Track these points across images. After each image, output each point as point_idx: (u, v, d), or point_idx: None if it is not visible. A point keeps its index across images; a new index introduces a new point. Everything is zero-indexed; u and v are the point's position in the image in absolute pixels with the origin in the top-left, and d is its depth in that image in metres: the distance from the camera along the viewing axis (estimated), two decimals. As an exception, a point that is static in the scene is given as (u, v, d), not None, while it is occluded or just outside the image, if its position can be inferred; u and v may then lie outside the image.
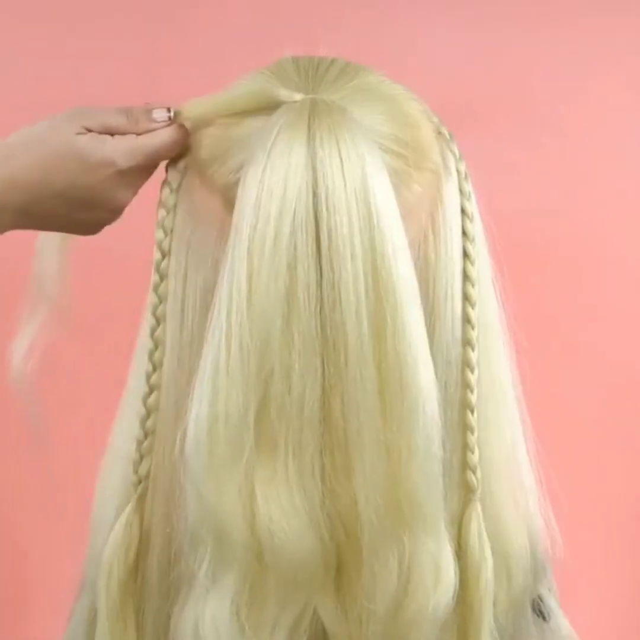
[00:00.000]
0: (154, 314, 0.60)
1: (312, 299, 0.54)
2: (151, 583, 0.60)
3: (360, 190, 0.54)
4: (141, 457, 0.60)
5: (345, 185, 0.53)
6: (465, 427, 0.61)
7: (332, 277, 0.54)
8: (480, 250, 0.62)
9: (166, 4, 1.33)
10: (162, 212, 0.60)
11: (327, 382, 0.54)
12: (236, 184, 0.57)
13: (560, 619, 0.68)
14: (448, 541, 0.58)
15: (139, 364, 0.61)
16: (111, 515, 0.61)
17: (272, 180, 0.53)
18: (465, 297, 0.61)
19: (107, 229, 0.64)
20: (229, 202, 0.57)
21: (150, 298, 0.60)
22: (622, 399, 1.38)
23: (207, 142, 0.59)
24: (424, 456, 0.55)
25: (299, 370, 0.54)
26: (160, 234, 0.60)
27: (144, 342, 0.61)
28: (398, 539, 0.56)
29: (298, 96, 0.56)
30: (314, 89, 0.58)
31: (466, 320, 0.61)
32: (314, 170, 0.53)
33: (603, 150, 1.37)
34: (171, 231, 0.60)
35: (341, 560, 0.57)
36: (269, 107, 0.57)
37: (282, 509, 0.54)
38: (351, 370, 0.54)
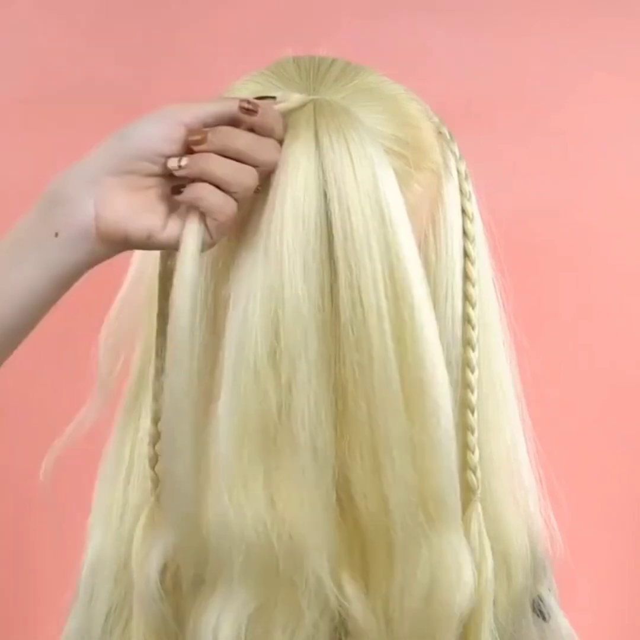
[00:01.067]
0: (162, 309, 0.59)
1: (326, 302, 0.54)
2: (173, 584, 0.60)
3: (372, 191, 0.54)
4: (157, 456, 0.60)
5: (357, 187, 0.53)
6: (465, 427, 0.61)
7: (350, 278, 0.53)
8: (481, 250, 0.62)
9: (167, 4, 1.33)
10: None
11: (349, 384, 0.54)
12: None
13: (560, 619, 0.68)
14: (464, 537, 0.58)
15: (145, 361, 0.61)
16: (117, 514, 0.62)
17: (281, 183, 0.53)
18: (466, 297, 0.61)
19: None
20: None
21: (159, 288, 0.60)
22: (622, 399, 1.38)
23: None
24: (445, 452, 0.56)
25: (315, 375, 0.54)
26: None
27: (150, 339, 0.61)
28: (426, 536, 0.56)
29: (295, 96, 0.56)
30: (315, 89, 0.58)
31: (466, 320, 0.61)
32: (324, 172, 0.53)
33: (603, 150, 1.37)
34: None
35: (369, 560, 0.57)
36: None
37: (301, 512, 0.54)
38: (376, 370, 0.54)
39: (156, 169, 0.54)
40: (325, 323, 0.54)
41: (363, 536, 0.57)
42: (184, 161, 0.53)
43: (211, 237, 0.54)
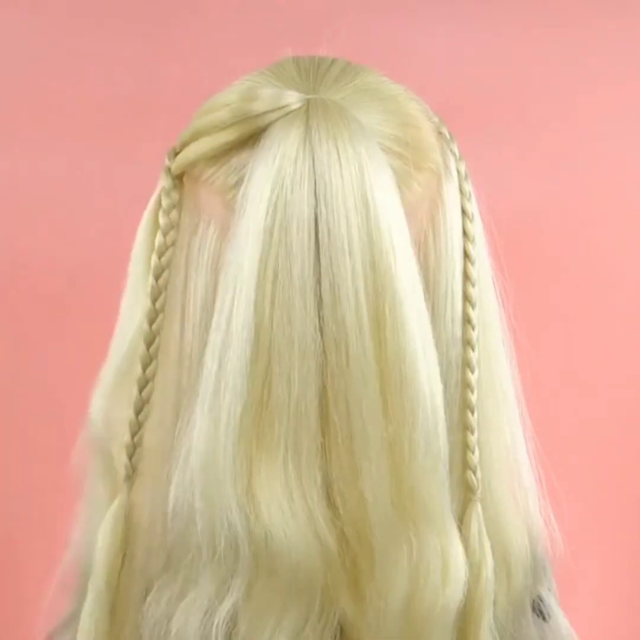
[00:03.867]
0: (154, 301, 0.60)
1: (309, 300, 0.54)
2: (135, 574, 0.60)
3: (358, 187, 0.54)
4: (135, 446, 0.60)
5: (342, 184, 0.54)
6: (465, 427, 0.61)
7: (331, 276, 0.54)
8: (481, 250, 0.62)
9: (167, 4, 1.33)
10: (166, 202, 0.60)
11: (328, 383, 0.55)
12: (235, 185, 0.57)
13: (560, 619, 0.68)
14: (457, 538, 0.58)
15: (130, 348, 0.61)
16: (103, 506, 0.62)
17: (271, 181, 0.53)
18: (466, 297, 0.61)
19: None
20: (228, 202, 0.58)
21: (151, 283, 0.60)
22: (622, 398, 1.38)
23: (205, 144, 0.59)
24: (425, 452, 0.56)
25: (297, 372, 0.54)
26: (164, 220, 0.60)
27: (138, 326, 0.60)
28: (406, 537, 0.56)
29: (291, 95, 0.56)
30: (315, 89, 0.58)
31: (466, 320, 0.61)
32: (315, 172, 0.54)
33: (603, 150, 1.37)
34: (176, 225, 0.60)
35: (355, 561, 0.57)
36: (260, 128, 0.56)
37: (281, 512, 0.54)
38: (353, 367, 0.54)
39: None
40: (311, 324, 0.54)
41: (348, 540, 0.56)
42: None
43: None
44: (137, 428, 0.60)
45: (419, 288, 0.56)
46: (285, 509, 0.54)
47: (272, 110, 0.56)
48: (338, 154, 0.54)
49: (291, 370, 0.54)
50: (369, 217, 0.54)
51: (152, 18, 1.32)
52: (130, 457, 0.60)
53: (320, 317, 0.54)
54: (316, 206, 0.54)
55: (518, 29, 1.36)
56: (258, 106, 0.56)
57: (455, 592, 0.57)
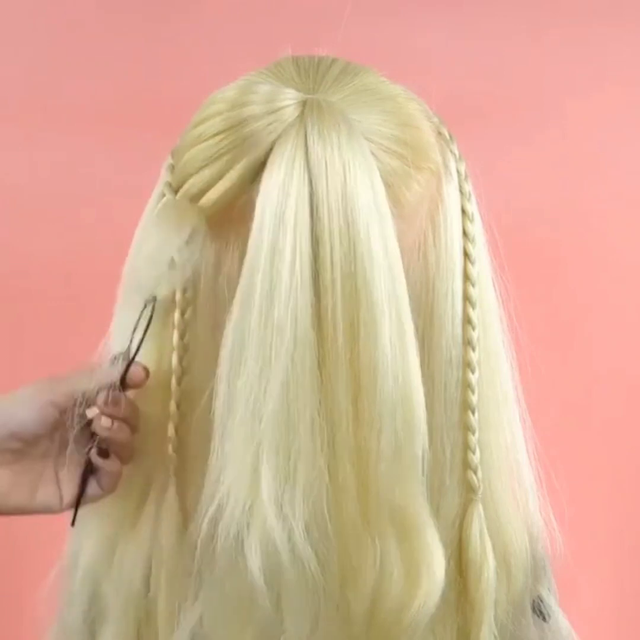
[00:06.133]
0: (183, 295, 0.60)
1: (307, 309, 0.54)
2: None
3: (341, 195, 0.54)
4: (177, 437, 0.61)
5: (327, 191, 0.54)
6: (465, 427, 0.61)
7: (320, 285, 0.54)
8: (481, 250, 0.62)
9: (167, 4, 1.33)
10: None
11: (323, 387, 0.55)
12: (238, 196, 0.57)
13: (560, 619, 0.68)
14: (435, 547, 0.57)
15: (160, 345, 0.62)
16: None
17: (275, 190, 0.54)
18: (466, 298, 0.61)
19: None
20: (228, 206, 0.58)
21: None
22: (621, 398, 1.38)
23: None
24: (393, 460, 0.56)
25: (303, 386, 0.54)
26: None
27: (169, 320, 0.61)
28: (371, 542, 0.56)
29: (289, 94, 0.56)
30: (314, 89, 0.58)
31: (466, 320, 0.61)
32: (310, 177, 0.54)
33: (604, 150, 1.37)
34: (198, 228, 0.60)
35: (325, 564, 0.57)
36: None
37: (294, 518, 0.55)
38: (329, 372, 0.55)
39: (23, 446, 0.60)
40: (309, 330, 0.54)
41: (319, 543, 0.56)
42: (116, 425, 0.60)
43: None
44: (177, 420, 0.61)
45: (399, 296, 0.56)
46: (320, 520, 0.55)
47: (269, 125, 0.56)
48: (330, 164, 0.54)
49: (298, 383, 0.54)
50: (349, 225, 0.54)
51: (151, 17, 1.32)
52: (175, 450, 0.61)
53: (318, 319, 0.54)
54: (311, 216, 0.54)
55: (519, 29, 1.36)
56: (257, 137, 0.55)
57: (425, 600, 0.57)
